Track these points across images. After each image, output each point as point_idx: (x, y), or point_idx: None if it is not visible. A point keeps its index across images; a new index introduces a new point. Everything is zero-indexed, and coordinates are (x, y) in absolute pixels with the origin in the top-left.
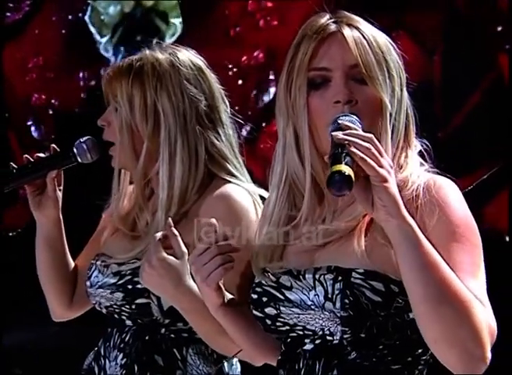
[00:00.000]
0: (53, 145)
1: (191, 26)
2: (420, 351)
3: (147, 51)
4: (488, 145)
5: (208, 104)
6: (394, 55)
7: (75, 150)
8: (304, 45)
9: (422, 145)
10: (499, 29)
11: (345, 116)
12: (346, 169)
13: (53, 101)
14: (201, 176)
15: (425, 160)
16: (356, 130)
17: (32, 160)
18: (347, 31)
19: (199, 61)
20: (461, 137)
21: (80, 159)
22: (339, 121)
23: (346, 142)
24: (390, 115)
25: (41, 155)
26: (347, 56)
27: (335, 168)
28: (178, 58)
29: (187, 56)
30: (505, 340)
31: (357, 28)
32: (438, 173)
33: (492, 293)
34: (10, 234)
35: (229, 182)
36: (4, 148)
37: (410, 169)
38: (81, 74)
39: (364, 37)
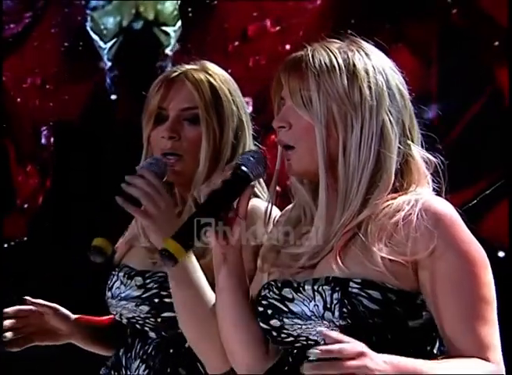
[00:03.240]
0: None
1: (190, 37)
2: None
3: (206, 64)
4: (488, 156)
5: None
6: (337, 79)
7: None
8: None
9: (427, 159)
10: (496, 42)
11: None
12: None
13: (52, 112)
14: None
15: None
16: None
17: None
18: (289, 63)
19: None
20: (460, 149)
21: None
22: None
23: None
24: (337, 138)
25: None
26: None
27: None
28: (224, 74)
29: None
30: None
31: (301, 58)
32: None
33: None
34: (12, 243)
35: (257, 196)
36: (1, 157)
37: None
38: (81, 86)
39: (307, 67)
